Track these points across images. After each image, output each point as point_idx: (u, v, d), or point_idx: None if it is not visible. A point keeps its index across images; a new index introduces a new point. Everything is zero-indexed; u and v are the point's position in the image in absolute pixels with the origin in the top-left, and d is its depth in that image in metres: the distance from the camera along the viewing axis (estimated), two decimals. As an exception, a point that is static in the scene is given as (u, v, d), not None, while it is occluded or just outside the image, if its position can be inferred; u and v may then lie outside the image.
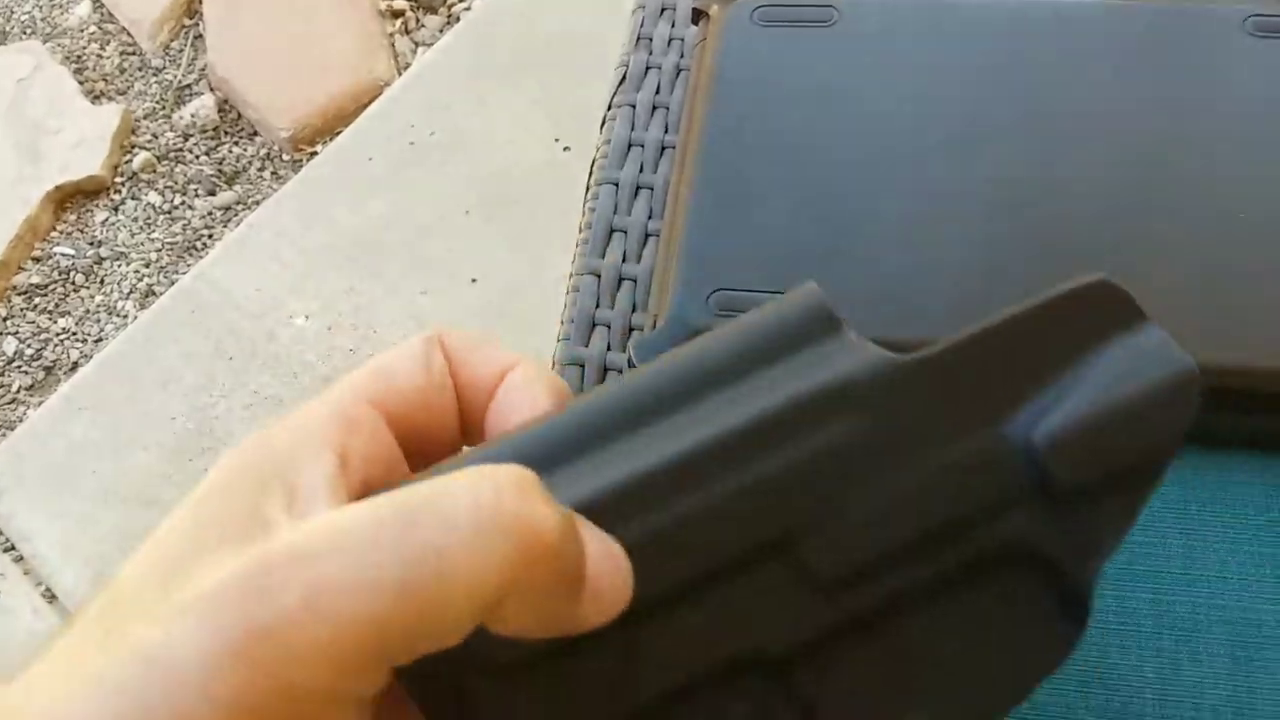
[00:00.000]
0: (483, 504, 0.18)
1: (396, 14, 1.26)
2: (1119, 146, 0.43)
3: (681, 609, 0.21)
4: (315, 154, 1.17)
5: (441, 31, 1.25)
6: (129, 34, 1.30)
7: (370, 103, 1.16)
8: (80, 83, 1.26)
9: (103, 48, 1.29)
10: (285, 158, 1.19)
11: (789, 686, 0.22)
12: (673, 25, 0.54)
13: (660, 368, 0.22)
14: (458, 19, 1.26)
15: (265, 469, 0.20)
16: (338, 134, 1.15)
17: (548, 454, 0.22)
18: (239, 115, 1.22)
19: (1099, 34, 0.46)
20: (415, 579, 0.17)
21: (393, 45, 1.24)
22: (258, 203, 1.15)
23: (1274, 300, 0.38)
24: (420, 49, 1.23)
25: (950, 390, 0.22)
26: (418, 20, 1.26)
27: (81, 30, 1.31)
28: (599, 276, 0.47)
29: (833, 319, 0.22)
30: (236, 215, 1.17)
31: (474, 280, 1.03)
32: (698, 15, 0.51)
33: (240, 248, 1.08)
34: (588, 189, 0.50)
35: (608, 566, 0.20)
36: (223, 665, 0.17)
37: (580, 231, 0.49)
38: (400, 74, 1.20)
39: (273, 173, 1.19)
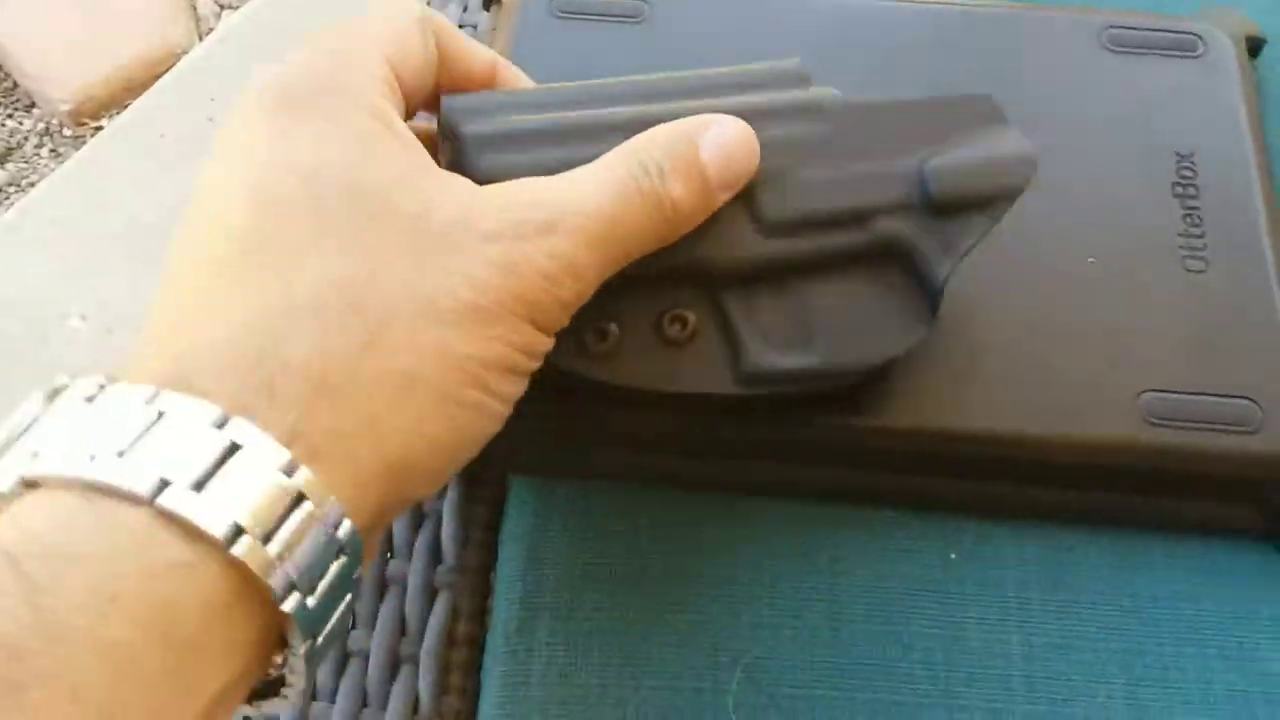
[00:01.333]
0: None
1: (199, -27, 1.13)
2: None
3: None
4: (100, 128, 1.04)
5: (251, -6, 1.13)
6: (-117, -15, 1.13)
7: (164, 72, 1.03)
8: None
9: None
10: (66, 133, 1.06)
11: (718, 304, 0.31)
12: (464, 9, 0.46)
13: (676, 74, 0.32)
14: (270, -20, 1.14)
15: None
16: (127, 106, 1.03)
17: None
18: (14, 84, 1.08)
19: (941, 34, 0.40)
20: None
21: (193, 7, 1.11)
22: (34, 184, 1.02)
23: (1115, 359, 0.34)
24: (225, 12, 1.11)
25: (882, 126, 0.32)
26: (224, -20, 1.14)
27: None
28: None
29: (805, 75, 0.32)
30: (9, 198, 1.03)
31: (281, 276, 0.93)
32: (489, 1, 0.44)
33: (10, 236, 0.95)
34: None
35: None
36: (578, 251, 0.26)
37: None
38: (201, 39, 1.07)
39: (51, 150, 1.05)
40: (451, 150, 0.29)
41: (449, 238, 0.24)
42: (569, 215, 0.25)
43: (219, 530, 0.20)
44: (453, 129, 0.29)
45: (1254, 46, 0.41)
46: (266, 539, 0.20)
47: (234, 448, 0.21)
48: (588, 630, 0.34)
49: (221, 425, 0.21)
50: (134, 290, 0.93)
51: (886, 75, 0.39)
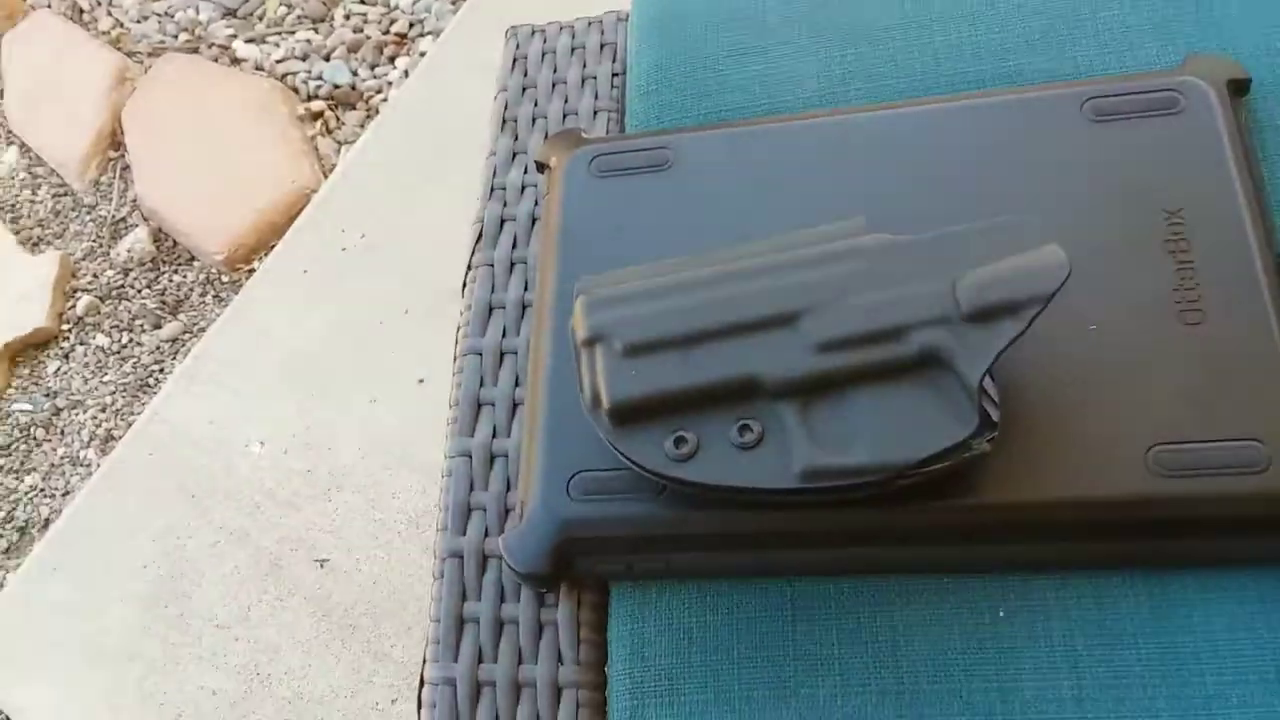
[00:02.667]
0: None
1: (315, 115, 1.26)
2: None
3: (730, 335, 0.37)
4: (253, 271, 1.16)
5: (362, 126, 1.24)
6: (58, 175, 1.30)
7: (299, 212, 1.15)
8: (15, 232, 1.27)
9: (34, 193, 1.30)
10: (224, 279, 1.19)
11: (775, 411, 0.36)
12: (525, 171, 0.53)
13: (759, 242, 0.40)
14: (377, 111, 1.25)
15: None
16: (273, 248, 1.15)
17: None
18: (174, 243, 1.22)
19: (939, 135, 0.44)
20: None
21: (315, 148, 1.23)
22: (203, 330, 1.15)
23: (1123, 419, 0.37)
24: (344, 147, 1.23)
25: (922, 256, 0.37)
26: (338, 119, 1.26)
27: (11, 178, 1.31)
28: (470, 458, 0.46)
29: (861, 225, 0.39)
30: (184, 345, 1.16)
31: (421, 380, 1.02)
32: (541, 167, 0.50)
33: (189, 381, 1.08)
34: (454, 359, 0.50)
35: None
36: None
37: (450, 408, 0.48)
38: (326, 177, 1.19)
39: (215, 296, 1.18)
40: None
41: None
42: None
43: None
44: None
45: (1240, 87, 0.43)
46: None
47: None
48: (688, 713, 0.39)
49: None
50: (299, 413, 1.04)
51: (894, 181, 0.44)
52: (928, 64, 0.48)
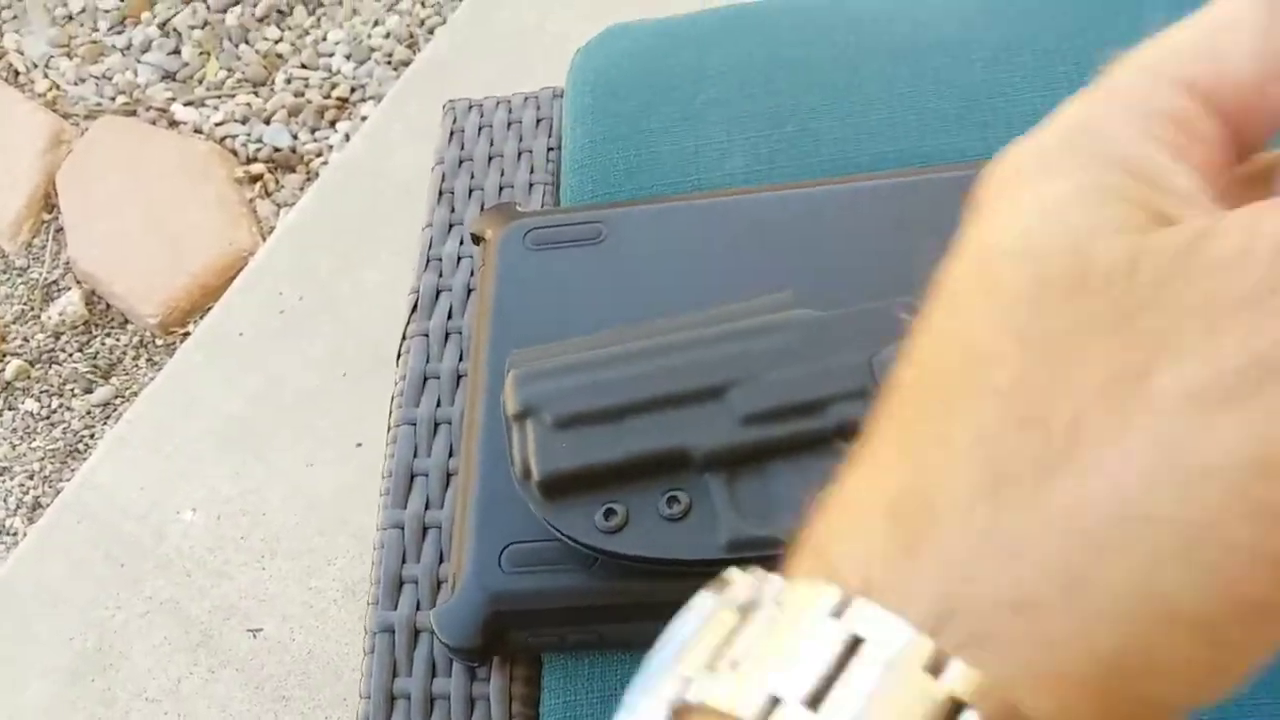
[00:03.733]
0: None
1: (254, 178, 1.25)
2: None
3: (658, 408, 0.39)
4: (188, 334, 1.15)
5: (302, 189, 1.24)
6: (-11, 236, 1.29)
7: (236, 274, 1.15)
8: (-58, 295, 1.25)
9: (-38, 255, 1.28)
10: (158, 343, 1.18)
11: (703, 483, 0.37)
12: (461, 242, 0.54)
13: (693, 315, 0.41)
14: (317, 174, 1.25)
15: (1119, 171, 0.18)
16: (209, 310, 1.14)
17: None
18: (108, 306, 1.21)
19: (860, 213, 0.46)
20: None
21: (254, 211, 1.23)
22: (136, 394, 1.13)
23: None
24: (283, 210, 1.23)
25: (843, 330, 0.39)
26: (277, 181, 1.26)
27: (-61, 239, 1.29)
28: (402, 529, 0.46)
29: (790, 300, 0.40)
30: (116, 410, 1.14)
31: (359, 444, 1.01)
32: (476, 239, 0.51)
33: (120, 447, 1.06)
34: (389, 429, 0.50)
35: None
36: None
37: (383, 478, 0.48)
38: (264, 239, 1.19)
39: (148, 359, 1.17)
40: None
41: None
42: None
43: None
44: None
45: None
46: None
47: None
48: (621, 786, 0.39)
49: (838, 614, 0.17)
50: (234, 479, 1.02)
51: (816, 256, 0.45)
52: (849, 144, 0.50)
